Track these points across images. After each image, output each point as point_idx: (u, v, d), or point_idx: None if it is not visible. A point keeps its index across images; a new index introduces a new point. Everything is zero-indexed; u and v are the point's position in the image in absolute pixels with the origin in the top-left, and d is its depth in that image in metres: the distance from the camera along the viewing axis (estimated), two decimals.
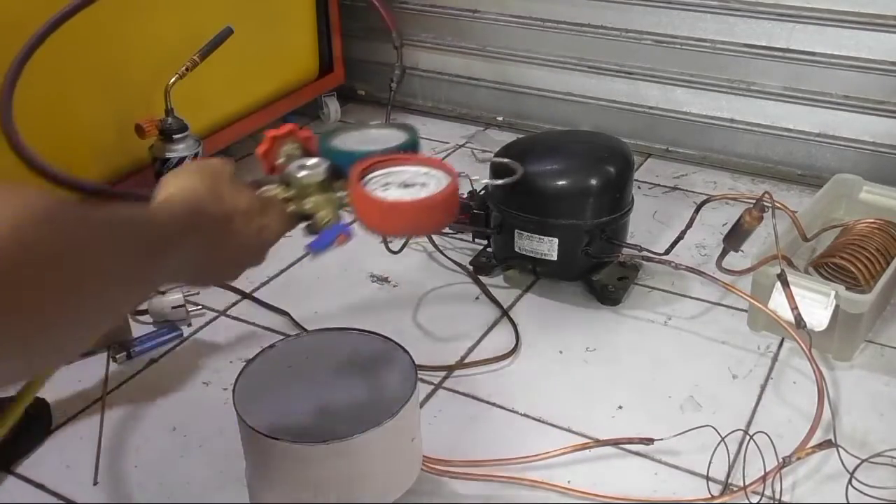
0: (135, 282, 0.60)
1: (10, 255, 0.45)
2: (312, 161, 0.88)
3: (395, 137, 0.94)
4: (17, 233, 0.46)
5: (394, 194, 0.85)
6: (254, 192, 0.83)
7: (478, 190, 1.62)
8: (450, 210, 0.87)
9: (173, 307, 1.42)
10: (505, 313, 1.46)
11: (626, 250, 1.47)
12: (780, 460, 1.10)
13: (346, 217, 0.89)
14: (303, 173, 0.87)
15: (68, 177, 1.42)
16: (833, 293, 1.27)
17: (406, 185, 0.87)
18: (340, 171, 0.89)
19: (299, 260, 1.63)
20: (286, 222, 0.86)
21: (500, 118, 2.22)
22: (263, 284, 1.56)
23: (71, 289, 0.50)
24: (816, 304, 1.27)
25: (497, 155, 1.52)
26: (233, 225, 0.76)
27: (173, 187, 0.73)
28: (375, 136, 0.94)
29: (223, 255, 0.77)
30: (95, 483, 1.14)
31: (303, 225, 0.89)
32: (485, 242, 1.60)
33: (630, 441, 1.16)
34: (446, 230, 1.66)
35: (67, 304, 0.50)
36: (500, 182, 0.99)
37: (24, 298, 0.46)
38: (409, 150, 0.93)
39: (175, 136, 1.52)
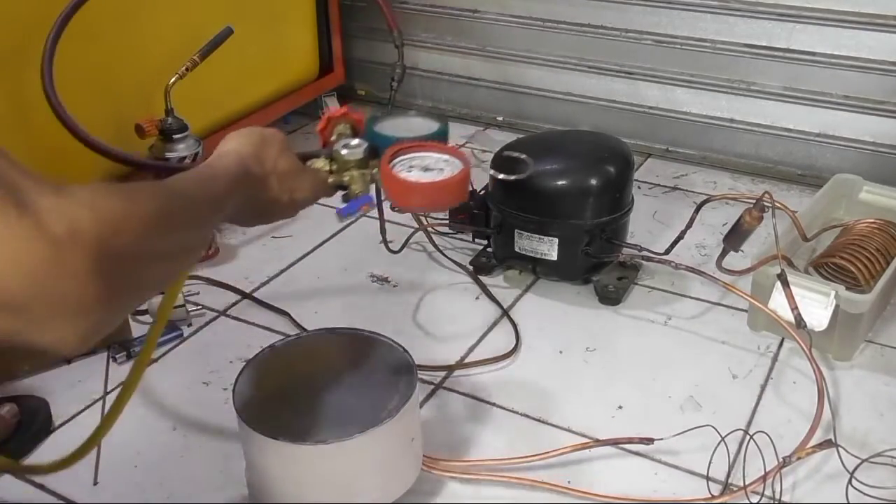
0: (210, 223, 0.84)
1: (156, 217, 0.67)
2: (355, 142, 1.04)
3: (428, 126, 1.13)
4: (159, 201, 0.69)
5: (415, 175, 1.01)
6: (294, 158, 0.98)
7: (478, 190, 1.62)
8: (459, 193, 1.03)
9: (173, 307, 1.41)
10: (505, 313, 1.46)
11: (626, 250, 1.47)
12: (780, 460, 1.10)
13: (373, 191, 1.05)
14: (345, 151, 1.03)
15: (111, 147, 1.44)
16: (833, 293, 1.27)
17: (427, 169, 1.03)
18: (378, 151, 1.05)
19: (299, 260, 1.63)
20: (321, 189, 1.01)
21: (500, 118, 2.22)
22: (263, 284, 1.56)
23: (191, 226, 0.76)
24: (816, 304, 1.27)
25: (497, 155, 1.52)
26: (268, 183, 0.93)
27: (227, 146, 0.91)
28: (413, 123, 1.12)
29: (259, 207, 0.94)
30: (95, 483, 1.14)
31: (340, 193, 1.05)
32: (485, 242, 1.60)
33: (630, 441, 1.16)
34: (446, 230, 1.67)
35: (192, 236, 0.77)
36: (513, 178, 1.17)
37: (173, 234, 0.70)
38: (439, 137, 1.10)
39: (175, 136, 1.52)
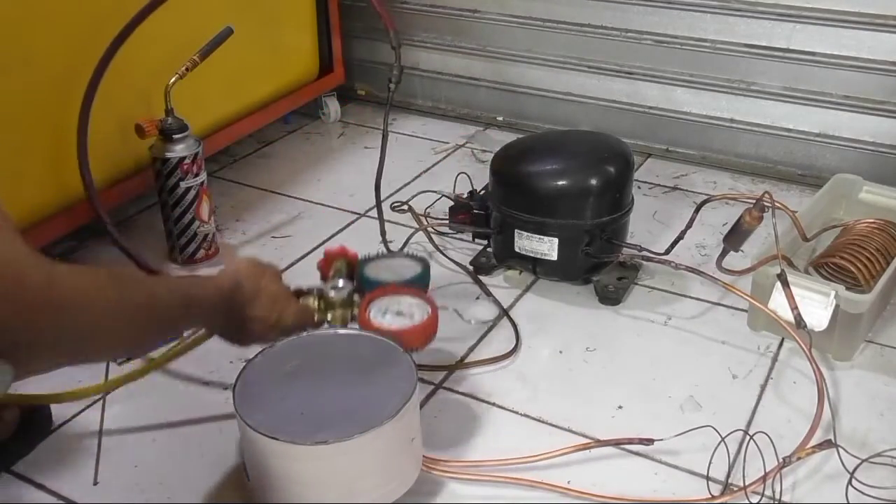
0: (176, 325, 0.99)
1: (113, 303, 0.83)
2: (341, 284, 1.21)
3: (412, 269, 1.29)
4: (118, 293, 0.84)
5: (388, 320, 1.17)
6: (286, 287, 1.11)
7: (478, 190, 1.62)
8: (425, 337, 1.17)
9: None
10: (505, 313, 1.46)
11: (626, 250, 1.47)
12: (780, 460, 1.10)
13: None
14: (332, 293, 1.19)
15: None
16: (833, 293, 1.27)
17: (399, 314, 1.19)
18: (363, 291, 1.22)
19: (299, 260, 1.63)
20: (306, 318, 1.13)
21: (500, 118, 2.22)
22: None
23: (150, 322, 0.90)
24: (816, 304, 1.27)
25: (497, 154, 1.52)
26: (257, 300, 1.04)
27: (230, 264, 1.06)
28: (398, 265, 1.30)
29: (244, 320, 1.03)
30: (95, 483, 1.14)
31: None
32: (485, 242, 1.60)
33: (630, 441, 1.16)
34: (446, 230, 1.67)
35: (150, 330, 0.92)
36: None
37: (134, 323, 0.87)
38: (419, 281, 1.27)
39: (175, 136, 1.52)
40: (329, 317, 1.19)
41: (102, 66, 1.45)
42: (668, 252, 1.46)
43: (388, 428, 0.98)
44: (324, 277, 1.28)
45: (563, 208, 1.41)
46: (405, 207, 1.71)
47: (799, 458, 1.12)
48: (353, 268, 1.28)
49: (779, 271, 1.28)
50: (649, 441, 1.15)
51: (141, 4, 1.48)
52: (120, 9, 1.48)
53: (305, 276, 1.58)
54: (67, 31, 1.45)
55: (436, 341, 1.40)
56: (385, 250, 1.42)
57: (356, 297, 1.21)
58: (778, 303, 1.30)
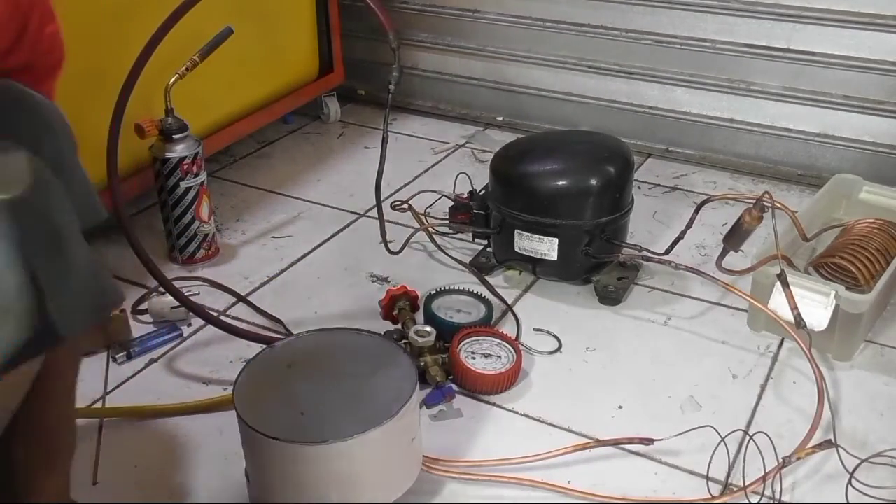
0: None
1: None
2: (426, 330, 1.28)
3: (474, 306, 1.39)
4: None
5: (479, 363, 1.27)
6: None
7: (478, 190, 1.62)
8: (512, 380, 1.27)
9: (173, 307, 1.42)
10: (509, 308, 1.46)
11: (626, 250, 1.47)
12: (780, 460, 1.10)
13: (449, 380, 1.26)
14: (420, 340, 1.27)
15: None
16: (833, 293, 1.27)
17: (486, 355, 1.28)
18: (442, 334, 1.30)
19: (299, 260, 1.63)
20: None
21: (500, 118, 2.22)
22: (264, 284, 1.56)
23: None
24: (816, 304, 1.27)
25: (497, 154, 1.52)
26: None
27: None
28: (460, 303, 1.39)
29: None
30: (95, 483, 1.14)
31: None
32: (485, 242, 1.60)
33: (630, 441, 1.16)
34: (446, 230, 1.67)
35: None
36: None
37: None
38: (485, 323, 1.35)
39: (175, 136, 1.52)
40: (422, 363, 1.24)
41: (138, 68, 1.43)
42: (668, 252, 1.46)
43: (388, 428, 0.98)
44: (387, 317, 1.38)
45: (563, 208, 1.41)
46: (405, 206, 1.71)
47: (799, 458, 1.12)
48: (415, 306, 1.37)
49: (779, 271, 1.28)
50: (649, 441, 1.15)
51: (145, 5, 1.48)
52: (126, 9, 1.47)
53: (305, 276, 1.59)
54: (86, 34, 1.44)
55: None
56: (441, 287, 1.44)
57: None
58: (778, 303, 1.30)
